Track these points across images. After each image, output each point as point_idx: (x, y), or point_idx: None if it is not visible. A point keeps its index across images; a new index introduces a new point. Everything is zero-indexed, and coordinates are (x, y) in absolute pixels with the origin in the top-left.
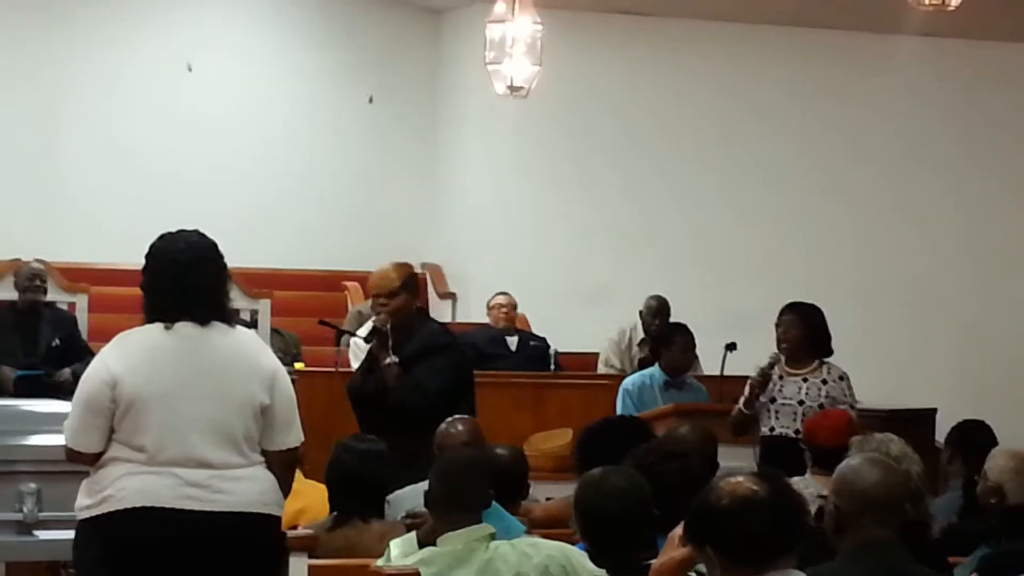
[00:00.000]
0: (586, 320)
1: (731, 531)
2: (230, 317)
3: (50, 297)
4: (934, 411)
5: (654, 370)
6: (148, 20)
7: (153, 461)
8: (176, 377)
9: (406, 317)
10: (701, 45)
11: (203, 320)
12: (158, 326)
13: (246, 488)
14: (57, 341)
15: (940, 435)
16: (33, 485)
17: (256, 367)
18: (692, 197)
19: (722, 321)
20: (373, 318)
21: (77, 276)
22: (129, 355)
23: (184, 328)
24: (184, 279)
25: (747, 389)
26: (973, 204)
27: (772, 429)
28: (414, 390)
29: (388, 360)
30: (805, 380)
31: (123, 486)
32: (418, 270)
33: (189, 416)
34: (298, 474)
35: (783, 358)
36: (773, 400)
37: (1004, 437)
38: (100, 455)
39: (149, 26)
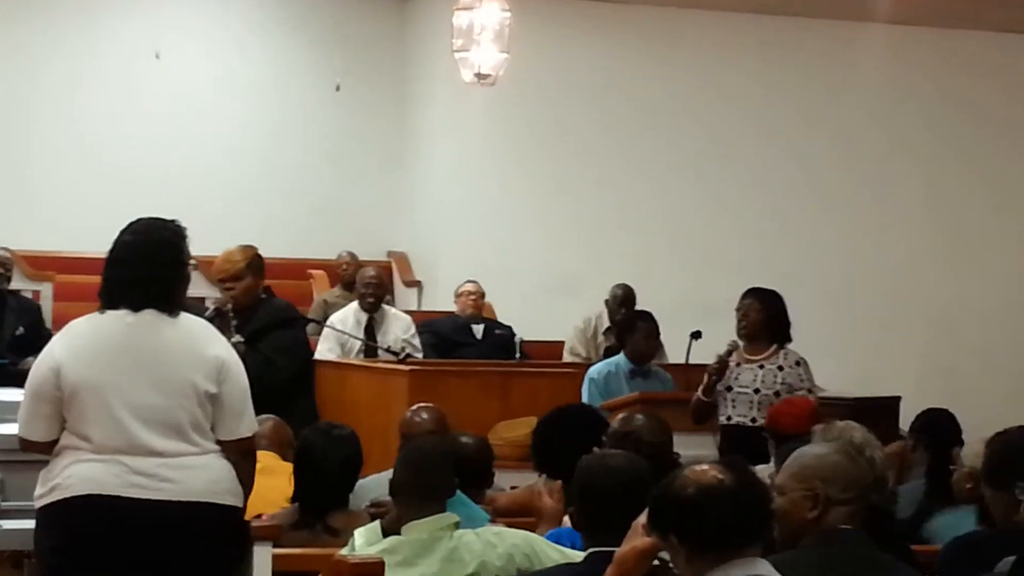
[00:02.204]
0: (554, 309)
1: (696, 520)
2: (175, 305)
3: (14, 285)
4: (898, 399)
5: (619, 358)
6: (116, 7)
7: (99, 449)
8: (117, 365)
9: (252, 299)
10: (672, 33)
11: (145, 307)
12: (103, 313)
13: (195, 476)
14: (21, 329)
15: (905, 424)
16: None
17: (201, 355)
18: (662, 186)
19: (690, 310)
20: (215, 299)
21: (42, 264)
22: (73, 343)
23: (127, 316)
24: (134, 267)
25: (705, 377)
26: (943, 193)
27: (729, 418)
28: (265, 365)
29: (233, 340)
30: (761, 367)
31: (70, 474)
32: (384, 258)
33: (130, 403)
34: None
35: (741, 345)
36: (730, 388)
37: (969, 426)
38: (54, 443)
39: (116, 13)
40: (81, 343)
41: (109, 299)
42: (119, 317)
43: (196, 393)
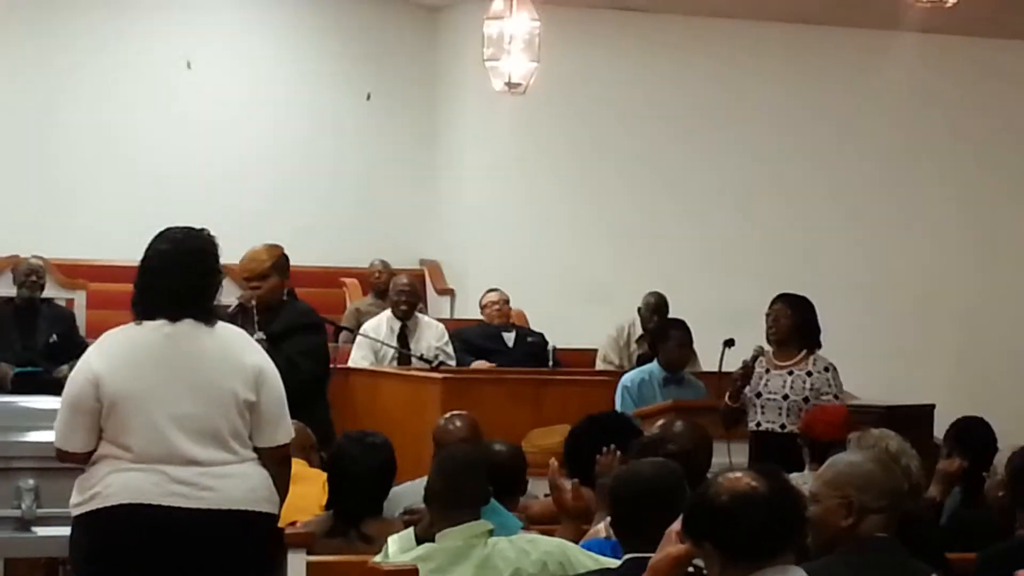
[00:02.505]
0: (586, 317)
1: (730, 527)
2: (212, 314)
3: (48, 293)
4: (932, 407)
5: (652, 366)
6: (147, 16)
7: (140, 459)
8: (156, 374)
9: (276, 298)
10: (700, 41)
11: (182, 317)
12: (139, 323)
13: (235, 485)
14: (55, 337)
15: (939, 431)
16: (31, 481)
17: (239, 364)
18: (692, 193)
19: (722, 317)
20: (239, 295)
21: (75, 272)
22: (111, 353)
23: (164, 326)
24: (171, 277)
25: (732, 382)
26: (974, 200)
27: (759, 424)
28: (287, 367)
29: (256, 336)
30: (791, 373)
31: (110, 483)
32: (417, 266)
33: (171, 413)
34: (302, 462)
35: (769, 351)
36: (759, 395)
37: (1003, 433)
38: (91, 454)
39: (148, 23)
40: (119, 354)
41: (145, 309)
42: (157, 327)
43: (235, 401)
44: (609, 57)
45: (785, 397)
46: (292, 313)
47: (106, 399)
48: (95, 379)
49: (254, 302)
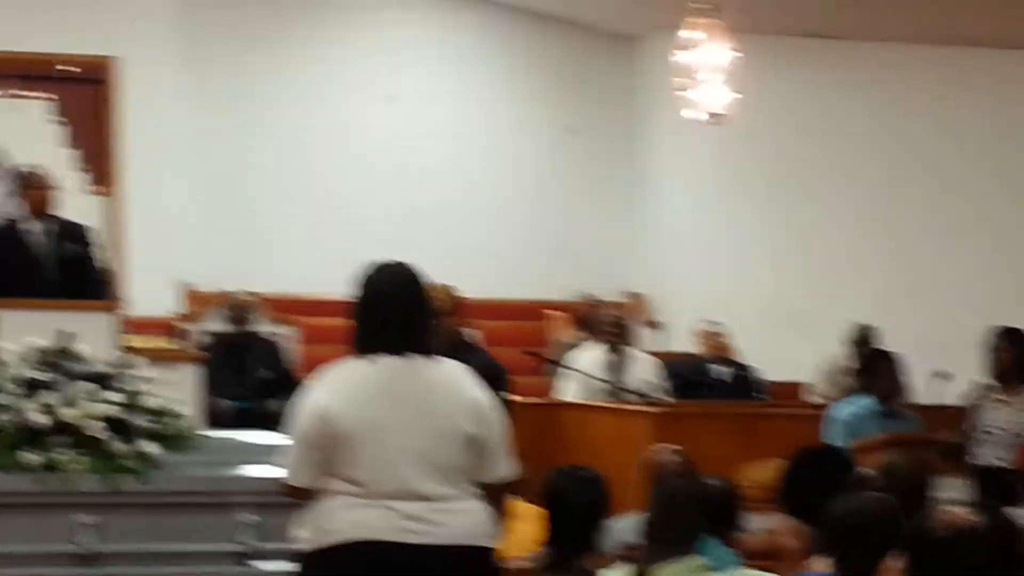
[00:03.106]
0: (793, 348)
1: (948, 562)
2: (433, 349)
3: (260, 329)
4: None
5: (865, 399)
6: (350, 55)
7: (369, 494)
8: (385, 410)
9: (451, 338)
10: (901, 69)
11: (406, 352)
12: (365, 359)
13: (461, 520)
14: (267, 373)
15: None
16: (250, 516)
17: (463, 398)
18: (896, 223)
19: (930, 349)
20: None
21: (286, 308)
22: (339, 389)
23: (390, 360)
24: (388, 311)
25: (958, 417)
26: None
27: (984, 459)
28: None
29: None
30: (1013, 407)
31: (340, 519)
32: (621, 299)
33: (401, 448)
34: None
35: (996, 385)
36: (980, 429)
37: None
38: (317, 489)
39: (351, 61)
40: (348, 388)
41: (368, 344)
42: (383, 362)
43: (461, 436)
44: (808, 85)
45: (1008, 431)
46: (482, 362)
47: (336, 434)
48: (324, 414)
49: None
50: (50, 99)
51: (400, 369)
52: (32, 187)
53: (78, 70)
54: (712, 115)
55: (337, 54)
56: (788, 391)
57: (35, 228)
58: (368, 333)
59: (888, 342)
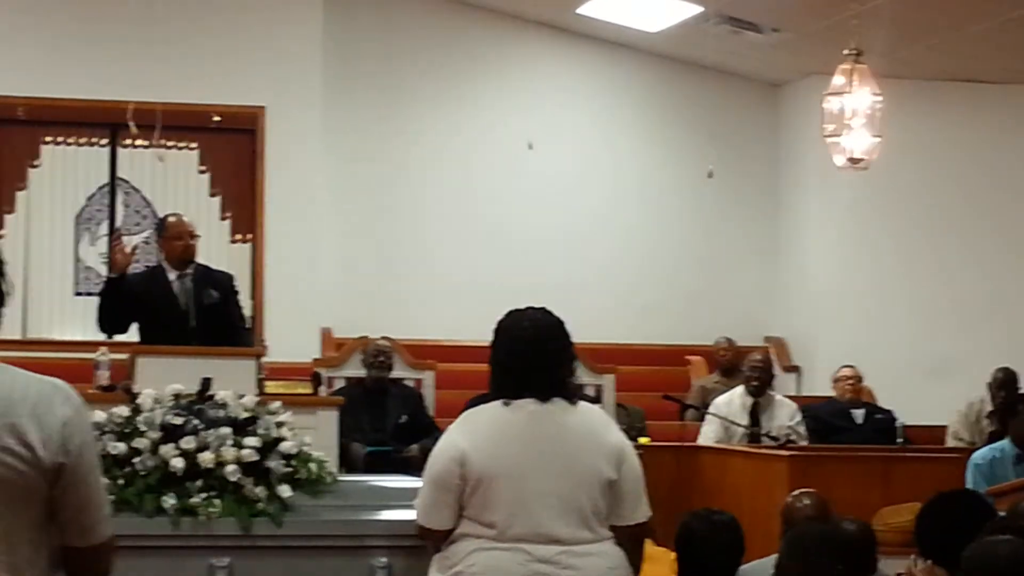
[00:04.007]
0: (932, 393)
1: None
2: (573, 393)
3: (397, 374)
4: None
5: (1004, 444)
6: (491, 100)
7: (502, 537)
8: (523, 453)
9: None
10: None
11: (546, 397)
12: (501, 403)
13: (595, 564)
14: (404, 417)
15: None
16: (384, 560)
17: (602, 442)
18: None
19: None
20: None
21: (423, 353)
22: (476, 432)
23: (528, 405)
24: (527, 356)
25: None
26: None
27: None
28: None
29: None
30: None
31: (473, 562)
32: (761, 343)
33: (537, 492)
34: (648, 541)
35: None
36: None
37: None
38: (451, 531)
39: (492, 105)
40: (485, 431)
41: (509, 389)
42: (521, 406)
43: (599, 480)
44: (953, 130)
45: None
46: None
47: (471, 477)
48: (461, 457)
49: None
50: (193, 148)
51: (538, 414)
52: (175, 236)
53: (219, 119)
54: (853, 160)
55: (479, 103)
56: (929, 436)
57: (177, 276)
58: (506, 377)
59: None
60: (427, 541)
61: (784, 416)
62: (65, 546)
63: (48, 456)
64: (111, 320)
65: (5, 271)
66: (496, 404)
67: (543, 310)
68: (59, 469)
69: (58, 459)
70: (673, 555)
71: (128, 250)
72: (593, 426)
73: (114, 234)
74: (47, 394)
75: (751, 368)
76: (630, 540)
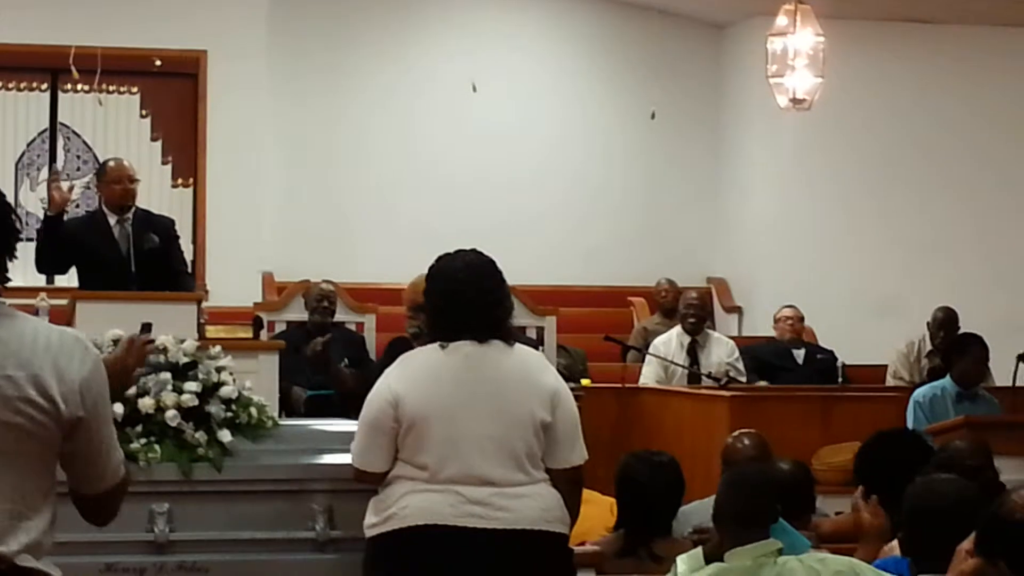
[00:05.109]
0: (873, 333)
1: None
2: (509, 335)
3: (339, 317)
4: None
5: (945, 382)
6: (434, 42)
7: (435, 479)
8: (456, 395)
9: None
10: (989, 52)
11: (482, 338)
12: (438, 345)
13: (528, 505)
14: (346, 361)
15: None
16: (324, 503)
17: (537, 384)
18: (980, 207)
19: (1012, 332)
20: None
21: (365, 296)
22: (410, 375)
23: (463, 347)
24: (462, 298)
25: None
26: None
27: None
28: None
29: None
30: None
31: (406, 504)
32: (703, 284)
33: (470, 434)
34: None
35: None
36: None
37: None
38: (386, 474)
39: (435, 48)
40: (420, 375)
41: (446, 331)
42: (457, 348)
43: (533, 423)
44: (895, 70)
45: None
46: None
47: (405, 419)
48: (395, 399)
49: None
50: (135, 93)
51: (474, 356)
52: (114, 180)
53: (160, 63)
54: (795, 100)
55: (422, 45)
56: (870, 375)
57: (117, 221)
58: (441, 320)
59: (971, 325)
60: (363, 483)
61: (722, 353)
62: (75, 492)
63: (67, 410)
64: (49, 261)
65: (12, 219)
66: (433, 346)
67: (475, 251)
68: (76, 422)
69: (77, 413)
70: (611, 500)
71: (65, 189)
72: (529, 368)
73: (52, 173)
74: (68, 346)
75: (686, 307)
76: (566, 483)
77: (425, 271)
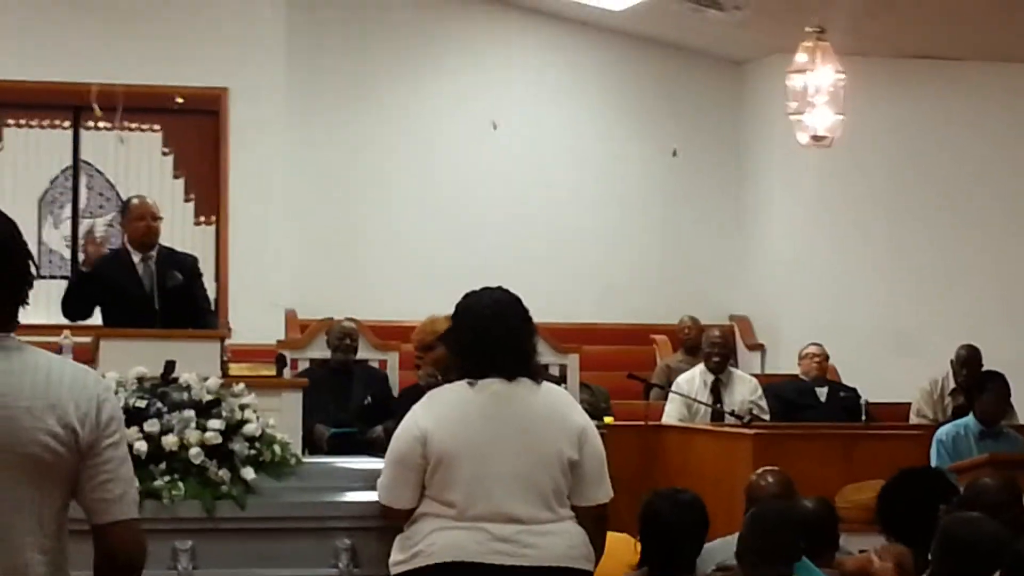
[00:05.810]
0: (896, 370)
1: None
2: (537, 372)
3: (361, 355)
4: None
5: (968, 420)
6: (455, 81)
7: (462, 516)
8: (484, 433)
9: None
10: (1009, 89)
11: (509, 376)
12: (465, 383)
13: (555, 542)
14: (369, 399)
15: None
16: (348, 541)
17: (564, 422)
18: (1000, 243)
19: None
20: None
21: (387, 334)
22: (438, 412)
23: (491, 384)
24: (489, 335)
25: None
26: None
27: None
28: None
29: None
30: None
31: (433, 541)
32: (726, 322)
33: (497, 471)
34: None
35: None
36: None
37: None
38: (413, 511)
39: (456, 87)
40: (448, 412)
41: (472, 369)
42: (485, 386)
43: (560, 460)
44: (915, 106)
45: None
46: None
47: (432, 456)
48: (423, 436)
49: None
50: (157, 130)
51: (502, 393)
52: (138, 217)
53: (182, 100)
54: (816, 138)
55: (441, 85)
56: (894, 413)
57: (141, 259)
58: (468, 357)
59: (993, 362)
60: (389, 520)
61: (745, 391)
62: (92, 525)
63: (85, 433)
64: (76, 310)
65: (31, 253)
66: (461, 384)
67: (501, 289)
68: (92, 444)
69: (92, 435)
70: (634, 540)
71: (99, 241)
72: (556, 406)
73: (88, 234)
74: (80, 374)
75: (710, 345)
76: (592, 520)
77: (443, 309)
